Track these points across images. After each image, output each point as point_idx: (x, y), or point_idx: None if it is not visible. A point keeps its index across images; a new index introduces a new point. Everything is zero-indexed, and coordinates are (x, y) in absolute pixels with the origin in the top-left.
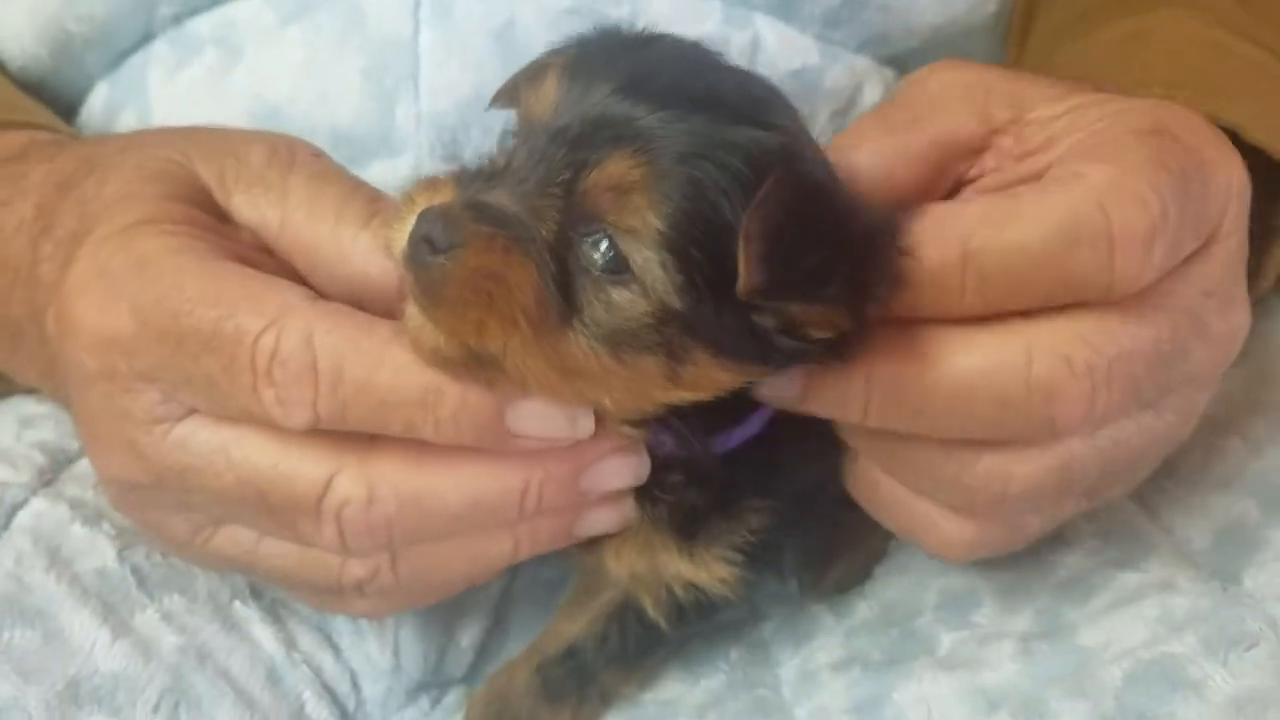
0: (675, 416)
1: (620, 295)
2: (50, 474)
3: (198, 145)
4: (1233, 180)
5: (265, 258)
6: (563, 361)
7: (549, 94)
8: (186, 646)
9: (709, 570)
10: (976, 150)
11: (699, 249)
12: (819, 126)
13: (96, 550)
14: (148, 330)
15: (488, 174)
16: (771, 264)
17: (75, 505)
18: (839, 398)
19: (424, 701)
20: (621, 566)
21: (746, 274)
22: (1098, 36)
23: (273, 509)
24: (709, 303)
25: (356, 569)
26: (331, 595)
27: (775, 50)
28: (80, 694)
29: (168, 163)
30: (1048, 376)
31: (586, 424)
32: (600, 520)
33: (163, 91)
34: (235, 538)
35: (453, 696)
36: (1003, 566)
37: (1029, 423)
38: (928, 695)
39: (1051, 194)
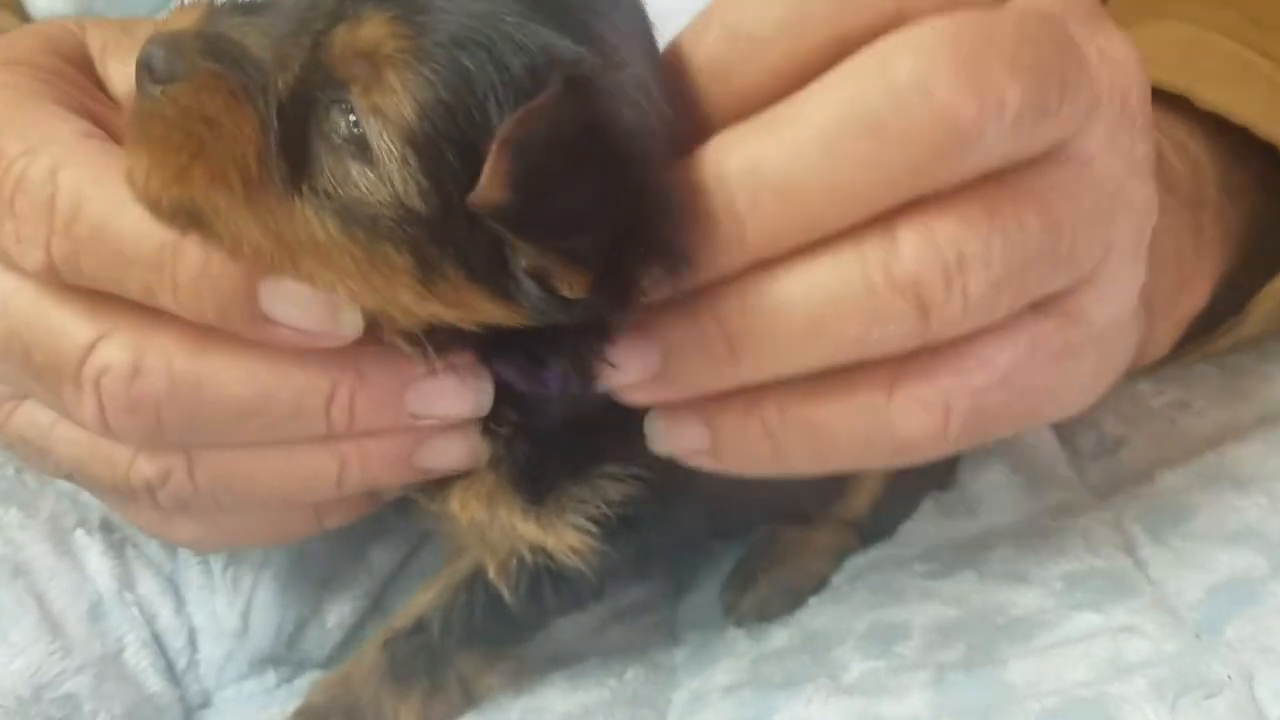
0: (492, 344)
1: (358, 173)
2: None
3: (97, 23)
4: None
5: (114, 120)
6: (281, 230)
7: None
8: (5, 558)
9: (557, 536)
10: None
11: (454, 151)
12: None
13: None
14: None
15: (254, 6)
16: (521, 186)
17: None
18: (700, 366)
19: (270, 676)
20: (465, 513)
21: (487, 185)
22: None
23: (37, 369)
24: (460, 215)
25: (145, 467)
26: (125, 499)
27: None
28: None
29: (59, 29)
30: (909, 271)
31: (352, 319)
32: (444, 451)
33: None
34: (32, 416)
35: (306, 680)
36: (946, 601)
37: (909, 326)
38: (809, 718)
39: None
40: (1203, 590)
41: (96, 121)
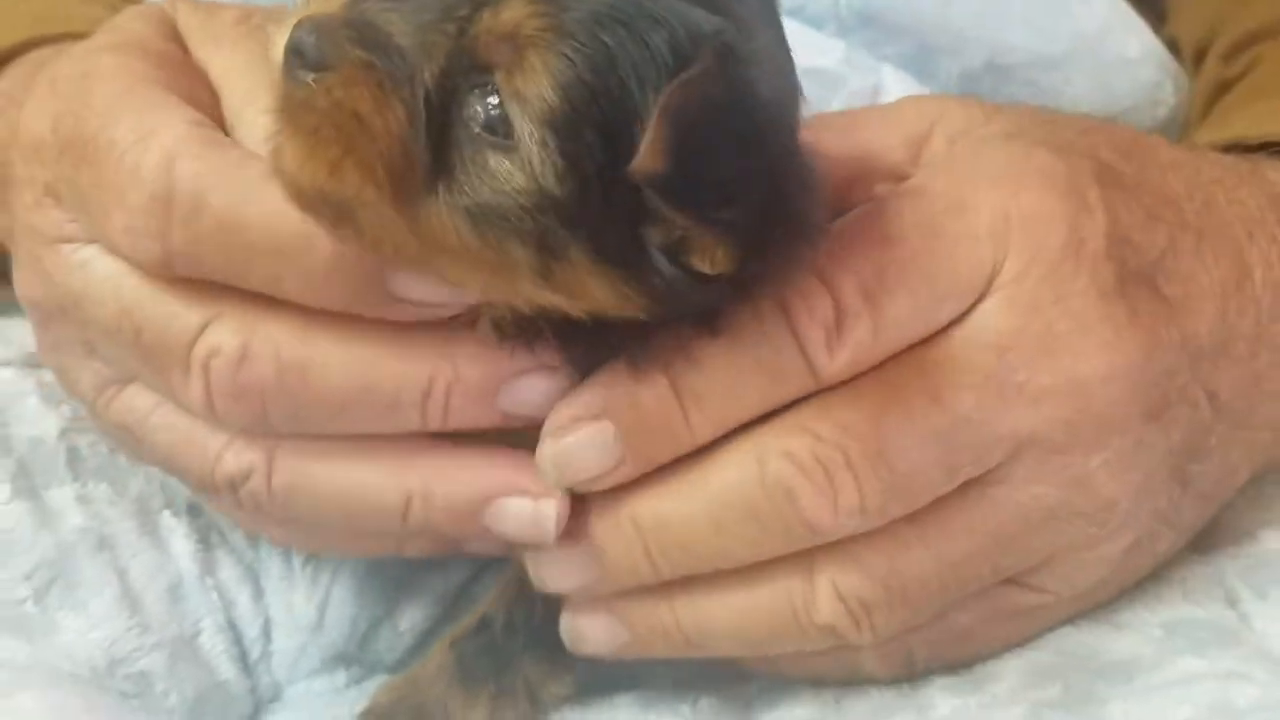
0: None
1: (497, 162)
2: (38, 360)
3: (187, 4)
4: (1010, 215)
5: (216, 108)
6: (420, 228)
7: None
8: (89, 530)
9: None
10: (897, 176)
11: (594, 131)
12: None
13: (41, 423)
14: (56, 138)
15: None
16: (677, 156)
17: (45, 386)
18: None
19: (340, 675)
20: None
21: (648, 153)
22: (1249, 109)
23: (146, 350)
24: (596, 195)
25: (230, 462)
26: (209, 492)
27: None
28: None
29: (154, 9)
30: (777, 475)
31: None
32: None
33: None
34: (133, 401)
35: (375, 682)
36: (1039, 647)
37: (792, 532)
38: None
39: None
40: None
41: (200, 107)
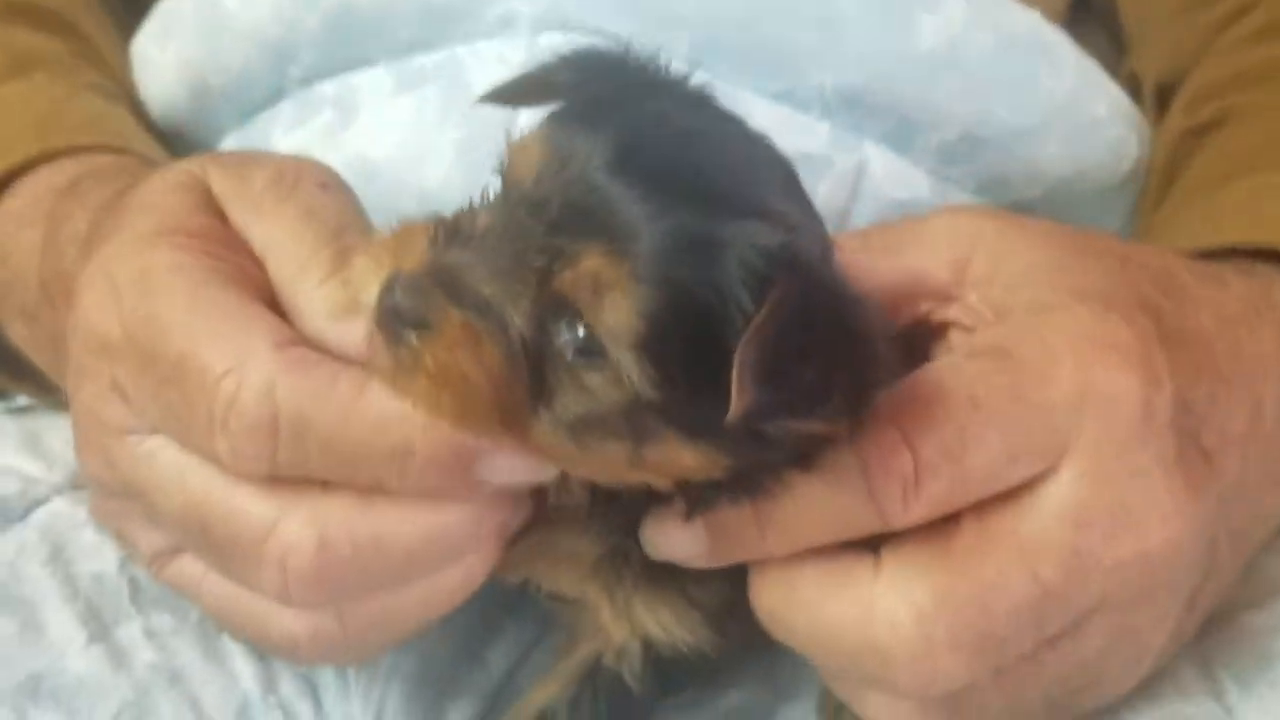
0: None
1: (593, 380)
2: (83, 481)
3: (215, 161)
4: (1089, 390)
5: (265, 278)
6: (530, 443)
7: (534, 154)
8: (161, 665)
9: (668, 624)
10: (943, 296)
11: (679, 344)
12: None
13: (100, 556)
14: (130, 345)
15: (464, 232)
16: (763, 387)
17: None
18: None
19: None
20: (621, 627)
21: (737, 400)
22: (1227, 192)
23: (216, 544)
24: (686, 389)
25: (293, 625)
26: (266, 649)
27: (882, 178)
28: (40, 689)
29: (186, 174)
30: (881, 642)
31: (553, 470)
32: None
33: (281, 144)
34: (186, 569)
35: None
36: None
37: (878, 679)
38: None
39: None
40: None
41: (251, 281)
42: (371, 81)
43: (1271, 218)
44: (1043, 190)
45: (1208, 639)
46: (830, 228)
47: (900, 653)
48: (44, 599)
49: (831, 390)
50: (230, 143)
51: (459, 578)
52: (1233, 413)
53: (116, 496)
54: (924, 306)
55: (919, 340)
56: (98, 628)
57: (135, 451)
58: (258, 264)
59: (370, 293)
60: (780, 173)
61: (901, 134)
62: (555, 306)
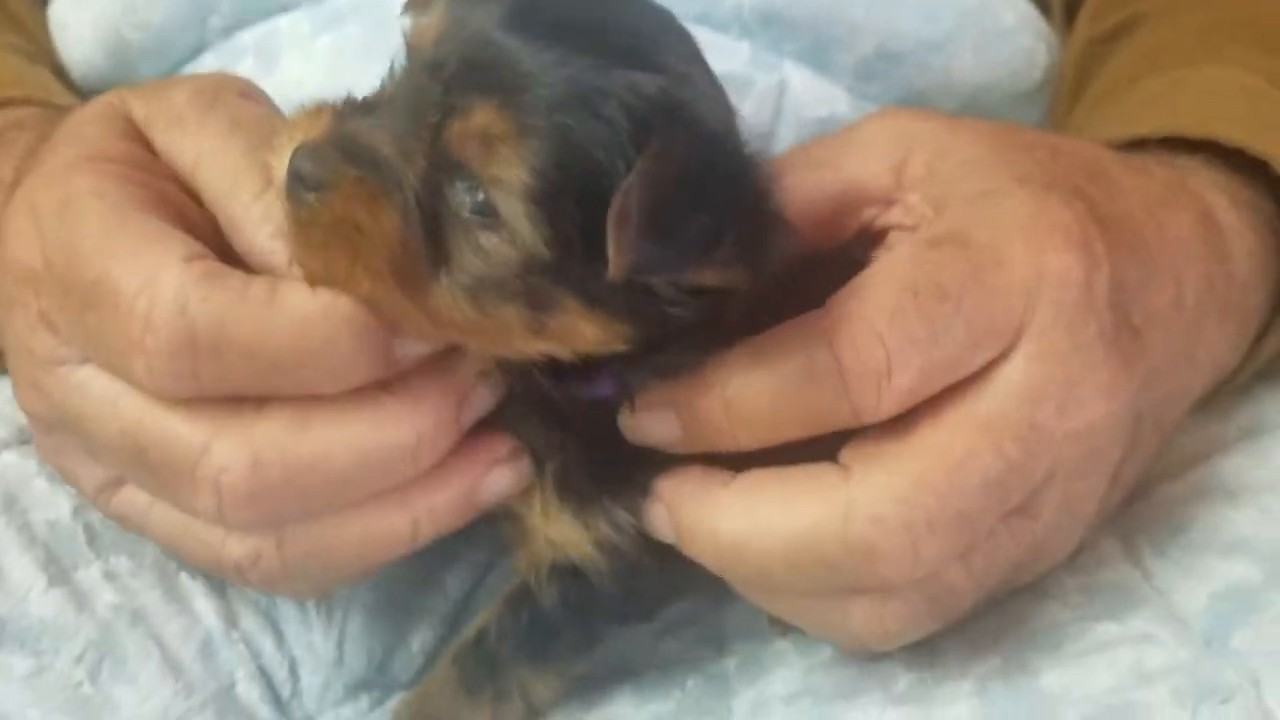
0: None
1: (489, 240)
2: (30, 435)
3: (133, 90)
4: (1042, 273)
5: (187, 199)
6: (430, 309)
7: (434, 22)
8: (122, 606)
9: (577, 543)
10: (884, 201)
11: (571, 201)
12: None
13: (54, 504)
14: (51, 273)
15: (369, 105)
16: (643, 242)
17: (45, 464)
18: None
19: (364, 700)
20: (550, 526)
21: (615, 257)
22: (1140, 88)
23: (153, 469)
24: (581, 252)
25: (235, 549)
26: (217, 574)
27: (802, 96)
28: (5, 632)
29: (106, 105)
30: (863, 538)
31: None
32: (500, 481)
33: None
34: (131, 499)
35: (395, 700)
36: (975, 617)
37: (861, 578)
38: None
39: (794, 330)
40: (1205, 598)
41: (171, 207)
42: (290, 25)
43: (1183, 109)
44: (958, 103)
45: (1128, 511)
46: (758, 146)
47: (886, 544)
48: (2, 548)
49: (719, 238)
50: None
51: (401, 521)
52: (1158, 293)
53: (54, 430)
54: (867, 213)
55: (859, 247)
56: (57, 572)
57: (67, 382)
58: (183, 187)
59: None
60: (678, 39)
61: (819, 51)
62: (448, 163)
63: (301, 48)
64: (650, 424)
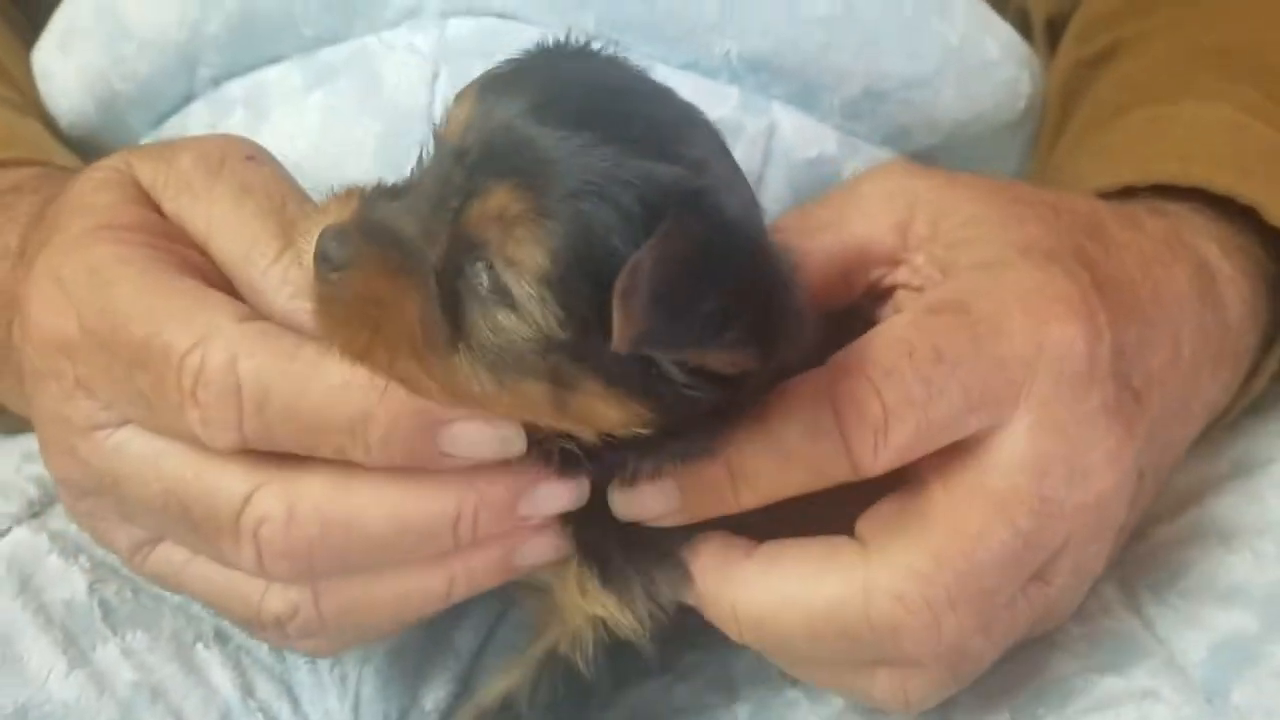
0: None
1: (505, 318)
2: (39, 507)
3: (137, 153)
4: (1042, 345)
5: (207, 262)
6: (450, 383)
7: (462, 112)
8: (141, 683)
9: (622, 613)
10: (890, 261)
11: (586, 284)
12: None
13: (68, 582)
14: (90, 339)
15: (396, 190)
16: (648, 316)
17: (56, 538)
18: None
19: None
20: (590, 603)
21: (619, 328)
22: (1124, 123)
23: (195, 523)
24: (598, 334)
25: (275, 603)
26: (255, 629)
27: (792, 138)
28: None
29: (112, 171)
30: (886, 616)
31: (519, 444)
32: (537, 549)
33: None
34: (168, 556)
35: None
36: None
37: (885, 652)
38: None
39: (798, 386)
40: (1205, 650)
41: (192, 270)
42: (280, 78)
43: (1169, 152)
44: (943, 136)
45: (1126, 555)
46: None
47: (910, 622)
48: (20, 631)
49: (730, 320)
50: None
51: (437, 581)
52: (1156, 352)
53: (89, 495)
54: (874, 273)
55: (866, 305)
56: (76, 654)
57: (105, 446)
58: (199, 250)
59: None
60: (702, 131)
61: (806, 94)
62: (468, 243)
63: (293, 102)
64: (644, 495)
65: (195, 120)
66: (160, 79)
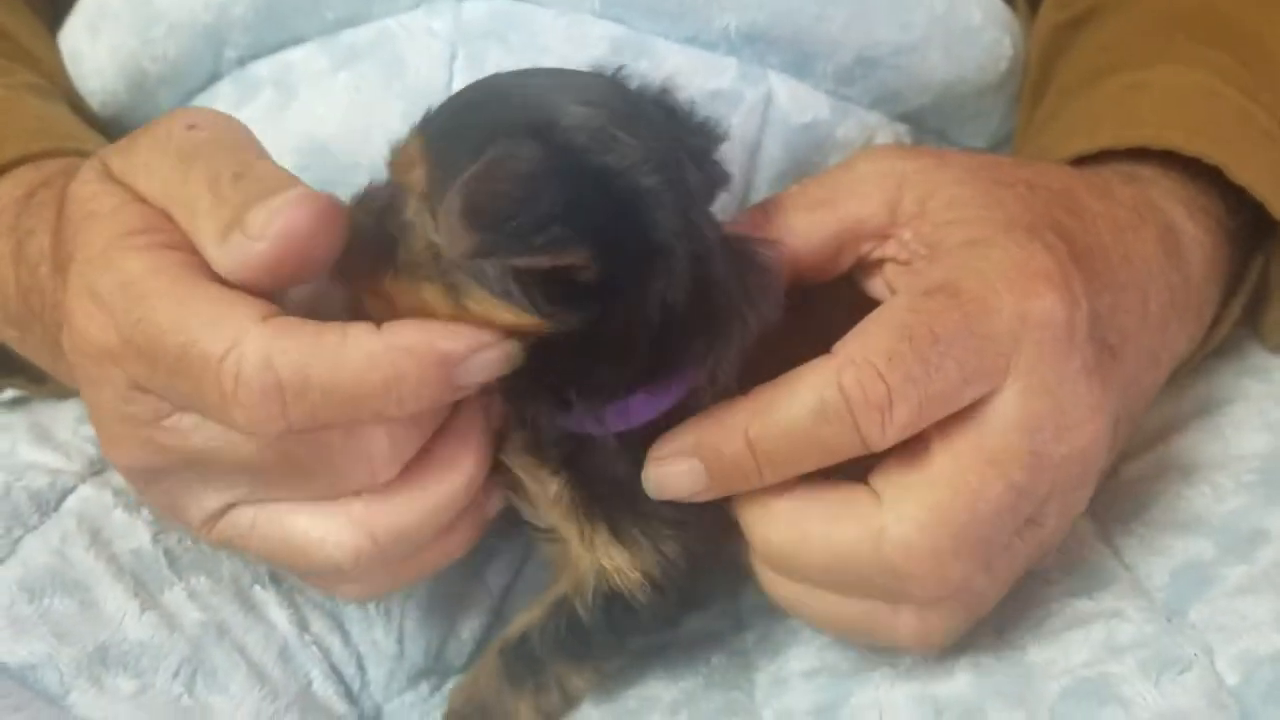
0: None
1: (412, 235)
2: (100, 464)
3: (107, 151)
4: (1026, 317)
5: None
6: (395, 300)
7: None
8: (208, 622)
9: (622, 567)
10: (880, 236)
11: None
12: None
13: (134, 533)
14: (131, 349)
15: None
16: (470, 228)
17: (118, 493)
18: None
19: (424, 687)
20: (598, 554)
21: (444, 241)
22: (1102, 87)
23: (305, 466)
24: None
25: (334, 551)
26: (313, 579)
27: (787, 105)
28: (109, 657)
29: (98, 174)
30: (897, 563)
31: (520, 357)
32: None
33: None
34: (235, 521)
35: (452, 684)
36: None
37: (893, 594)
38: (882, 700)
39: (805, 374)
40: (1167, 574)
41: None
42: (305, 59)
43: (1143, 116)
44: (931, 98)
45: (1099, 494)
46: (745, 156)
47: (916, 568)
48: (96, 580)
49: (551, 224)
50: None
51: (463, 534)
52: (1128, 312)
53: (164, 477)
54: (864, 247)
55: (858, 276)
56: (146, 597)
57: (181, 426)
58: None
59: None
60: (597, 91)
61: (801, 63)
62: (395, 186)
63: (319, 84)
64: (676, 478)
65: (223, 99)
66: (188, 60)
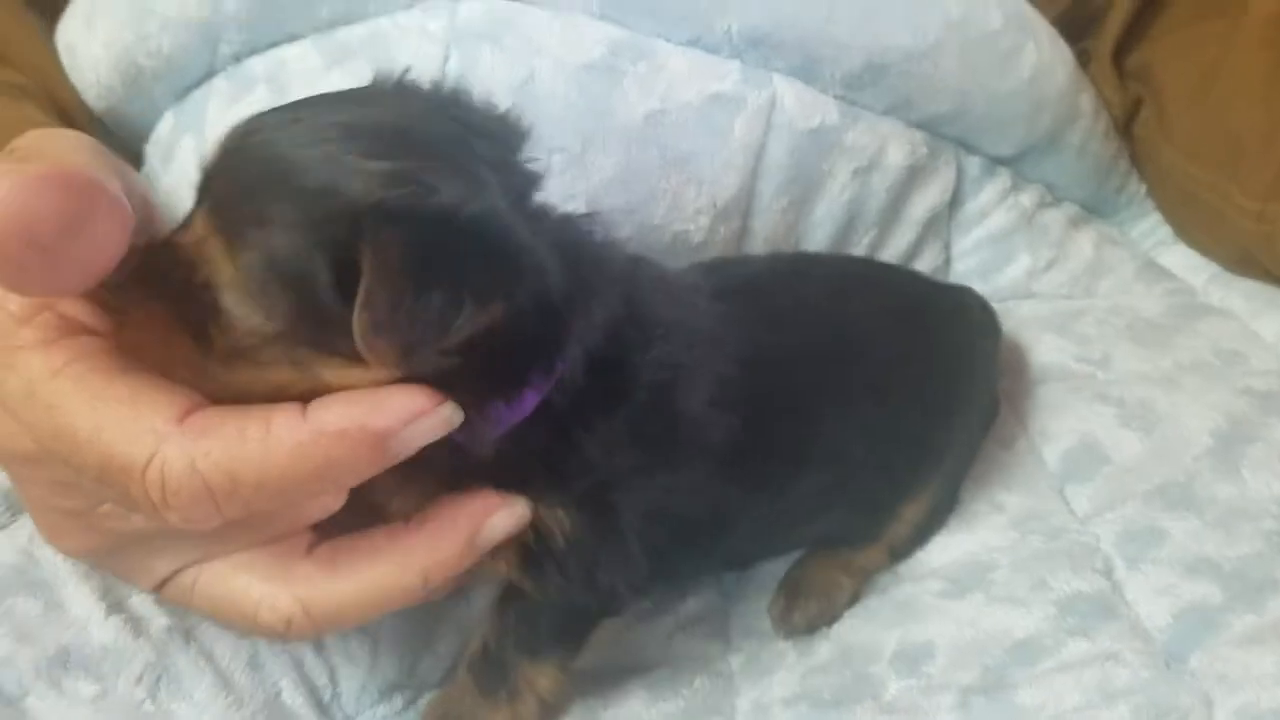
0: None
1: (227, 324)
2: None
3: None
4: None
5: None
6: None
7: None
8: (174, 627)
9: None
10: None
11: (275, 284)
12: (840, 182)
13: None
14: (51, 456)
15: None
16: (398, 339)
17: None
18: None
19: (397, 700)
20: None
21: (379, 362)
22: None
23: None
24: (310, 321)
25: (267, 616)
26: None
27: (793, 109)
28: (70, 660)
29: None
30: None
31: (458, 416)
32: (499, 526)
33: (219, 121)
34: (180, 582)
35: (425, 700)
36: (965, 623)
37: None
38: None
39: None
40: (1170, 616)
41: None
42: (299, 56)
43: None
44: (947, 106)
45: (1099, 522)
46: (748, 161)
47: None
48: (63, 581)
49: (462, 296)
50: (168, 121)
51: (413, 576)
52: None
53: (113, 553)
54: None
55: None
56: (113, 601)
57: (118, 512)
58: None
59: None
60: (372, 125)
61: (807, 67)
62: (189, 265)
63: (312, 80)
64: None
65: (217, 94)
66: (183, 55)
